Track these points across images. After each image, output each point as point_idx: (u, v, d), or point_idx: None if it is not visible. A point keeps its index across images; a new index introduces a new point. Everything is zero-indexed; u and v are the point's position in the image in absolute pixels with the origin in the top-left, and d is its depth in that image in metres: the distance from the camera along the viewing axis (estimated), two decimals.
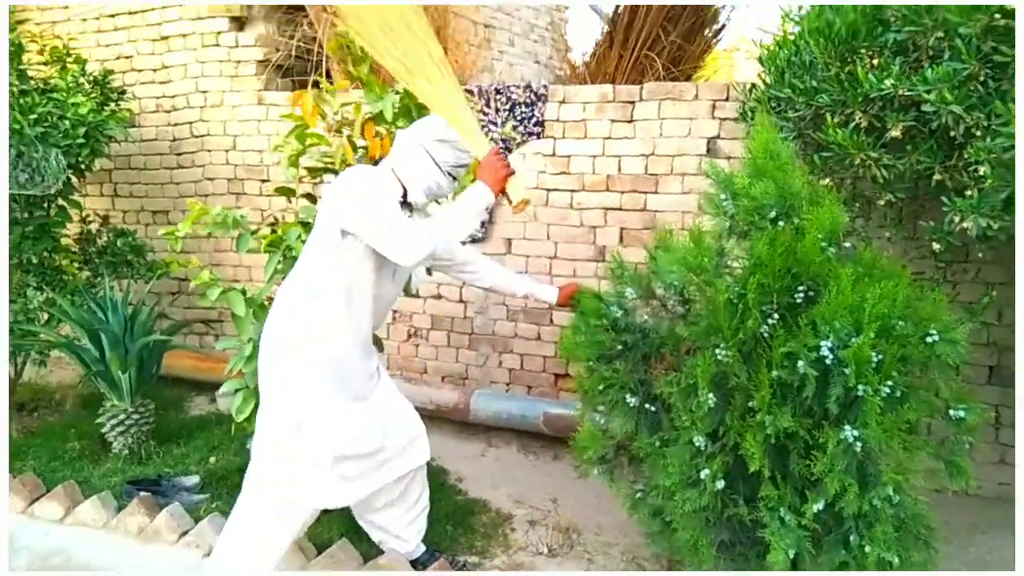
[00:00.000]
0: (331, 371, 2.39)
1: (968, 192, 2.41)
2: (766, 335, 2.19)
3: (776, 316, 2.19)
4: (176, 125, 4.86)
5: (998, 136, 2.20)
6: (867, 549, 2.04)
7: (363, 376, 2.49)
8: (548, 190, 4.00)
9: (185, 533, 3.06)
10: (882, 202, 2.74)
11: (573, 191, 3.96)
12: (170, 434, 4.03)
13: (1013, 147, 2.16)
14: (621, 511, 3.11)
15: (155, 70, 4.85)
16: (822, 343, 2.06)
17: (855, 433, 1.99)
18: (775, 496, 2.13)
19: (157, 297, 4.61)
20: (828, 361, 2.05)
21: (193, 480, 3.57)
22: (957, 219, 2.41)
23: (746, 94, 3.33)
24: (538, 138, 3.97)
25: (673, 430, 2.41)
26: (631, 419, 2.52)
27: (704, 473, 2.17)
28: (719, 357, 2.21)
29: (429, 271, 2.80)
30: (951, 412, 2.15)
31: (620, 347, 2.61)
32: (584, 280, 3.91)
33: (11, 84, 3.61)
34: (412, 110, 2.82)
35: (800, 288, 2.20)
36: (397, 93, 2.83)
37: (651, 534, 2.62)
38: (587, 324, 2.64)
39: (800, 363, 2.07)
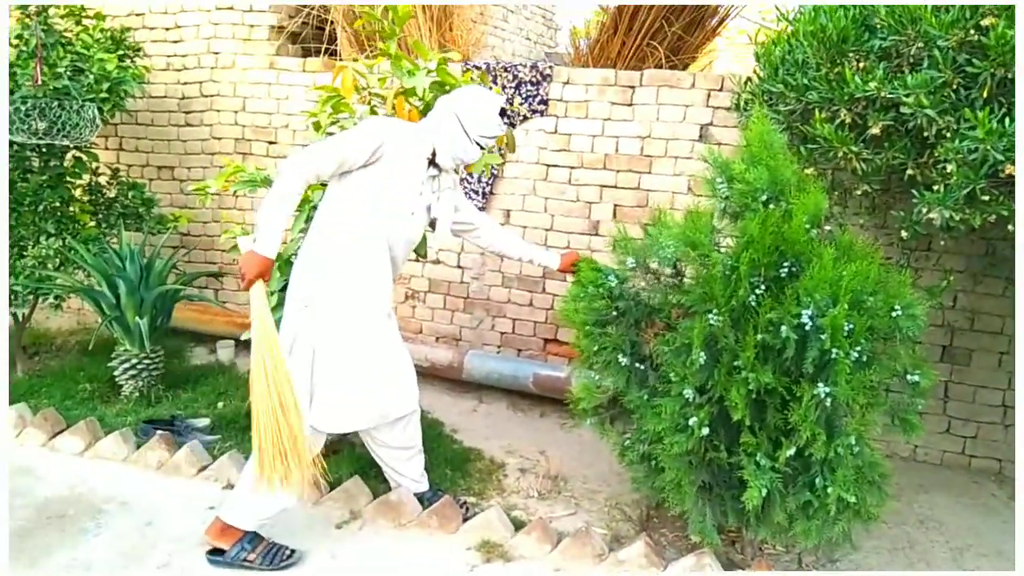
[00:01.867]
0: (341, 300, 2.61)
1: (936, 187, 2.72)
2: (753, 304, 2.47)
3: (763, 287, 2.48)
4: (186, 84, 5.00)
5: (965, 139, 2.50)
6: (829, 490, 2.35)
7: (376, 310, 2.70)
8: (548, 165, 4.25)
9: (204, 468, 3.29)
10: (859, 192, 3.04)
11: (572, 168, 4.21)
12: (177, 380, 4.24)
13: (978, 148, 2.47)
14: (604, 463, 3.44)
15: (167, 29, 4.98)
16: (803, 312, 2.35)
17: (827, 390, 2.29)
18: (753, 443, 2.43)
19: (173, 250, 4.78)
20: (807, 328, 2.35)
21: (204, 422, 3.79)
22: (925, 210, 2.71)
23: (741, 86, 3.60)
24: (542, 115, 4.21)
25: (663, 384, 2.70)
26: (623, 376, 2.80)
27: (692, 420, 2.46)
28: (711, 321, 2.49)
29: (456, 234, 3.02)
30: (908, 377, 2.47)
31: (614, 313, 2.88)
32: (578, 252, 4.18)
33: (41, 36, 3.74)
34: (444, 85, 3.02)
35: (785, 264, 2.49)
36: (430, 72, 3.04)
37: (636, 478, 2.91)
38: (585, 291, 2.91)
39: (783, 328, 2.36)
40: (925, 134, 2.72)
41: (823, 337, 2.32)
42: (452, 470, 3.42)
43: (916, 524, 3.26)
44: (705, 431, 2.46)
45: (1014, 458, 3.74)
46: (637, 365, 2.80)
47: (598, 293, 2.88)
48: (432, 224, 2.84)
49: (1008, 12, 2.41)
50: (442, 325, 4.60)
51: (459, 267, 4.50)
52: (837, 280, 2.33)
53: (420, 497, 3.06)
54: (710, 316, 2.50)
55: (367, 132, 2.59)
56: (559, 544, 2.82)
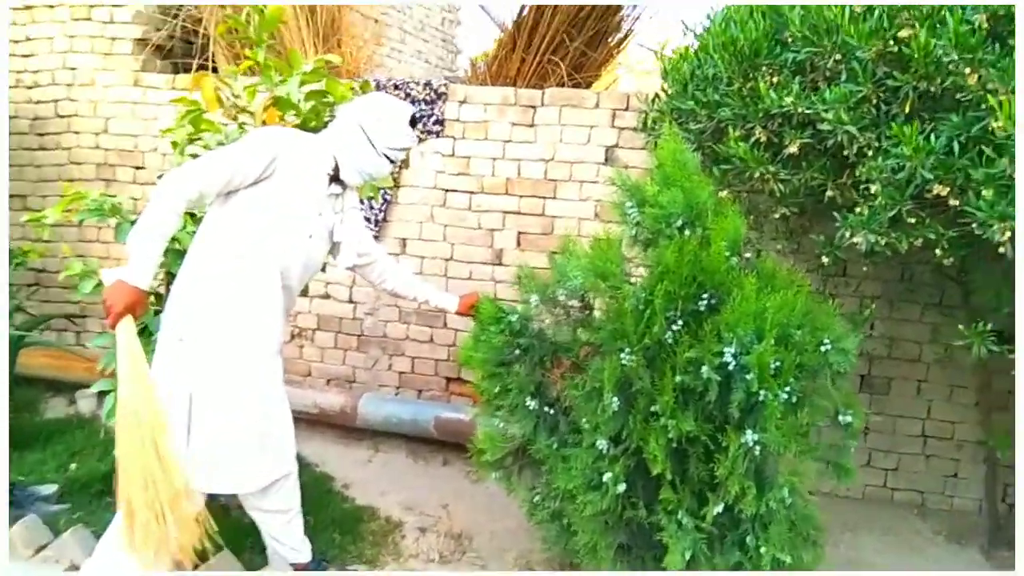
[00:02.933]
0: (222, 336, 2.25)
1: (858, 209, 2.53)
2: (670, 341, 2.21)
3: (680, 322, 2.22)
4: (39, 103, 4.46)
5: (889, 156, 2.32)
6: (762, 550, 2.09)
7: (262, 349, 2.34)
8: (446, 190, 3.93)
9: (43, 548, 2.78)
10: (776, 216, 2.84)
11: (472, 192, 3.91)
12: (26, 438, 3.67)
13: (903, 167, 2.28)
14: (513, 517, 3.10)
15: (16, 41, 4.43)
16: (725, 349, 2.10)
17: (755, 437, 2.04)
18: (674, 499, 2.15)
19: (14, 289, 4.20)
20: (730, 367, 2.09)
21: (51, 489, 3.25)
22: (848, 234, 2.52)
23: (648, 105, 3.39)
24: (437, 136, 3.89)
25: (573, 433, 2.41)
26: (530, 422, 2.49)
27: (607, 476, 2.17)
28: (623, 361, 2.21)
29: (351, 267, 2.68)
30: (840, 417, 2.24)
31: (517, 351, 2.58)
32: (480, 284, 3.87)
33: None
34: (326, 96, 2.68)
35: (704, 296, 2.24)
36: (306, 77, 2.68)
37: (548, 538, 2.60)
38: (486, 331, 2.60)
39: (704, 368, 2.10)
40: (845, 152, 2.54)
41: (748, 377, 2.06)
42: (341, 534, 3.01)
43: (844, 567, 3.05)
44: (621, 487, 2.17)
45: (935, 490, 3.61)
46: (546, 409, 2.50)
47: (498, 330, 2.58)
48: (334, 249, 2.49)
49: (929, 21, 2.25)
50: (333, 366, 4.18)
51: (351, 302, 4.11)
52: (762, 313, 2.09)
53: (303, 567, 2.65)
54: (622, 355, 2.22)
55: (259, 143, 2.24)
56: None
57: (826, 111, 2.45)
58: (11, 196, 4.58)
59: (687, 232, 2.34)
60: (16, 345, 3.56)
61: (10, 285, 3.75)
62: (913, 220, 2.39)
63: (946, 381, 3.50)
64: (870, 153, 2.45)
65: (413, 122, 2.43)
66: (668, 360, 2.19)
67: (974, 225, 2.24)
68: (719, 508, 2.10)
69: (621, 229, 2.51)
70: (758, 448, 2.05)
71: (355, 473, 3.63)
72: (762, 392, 2.04)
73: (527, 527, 3.01)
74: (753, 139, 2.71)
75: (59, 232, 4.45)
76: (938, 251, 2.42)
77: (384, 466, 3.77)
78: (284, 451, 2.48)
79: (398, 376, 4.11)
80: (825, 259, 2.73)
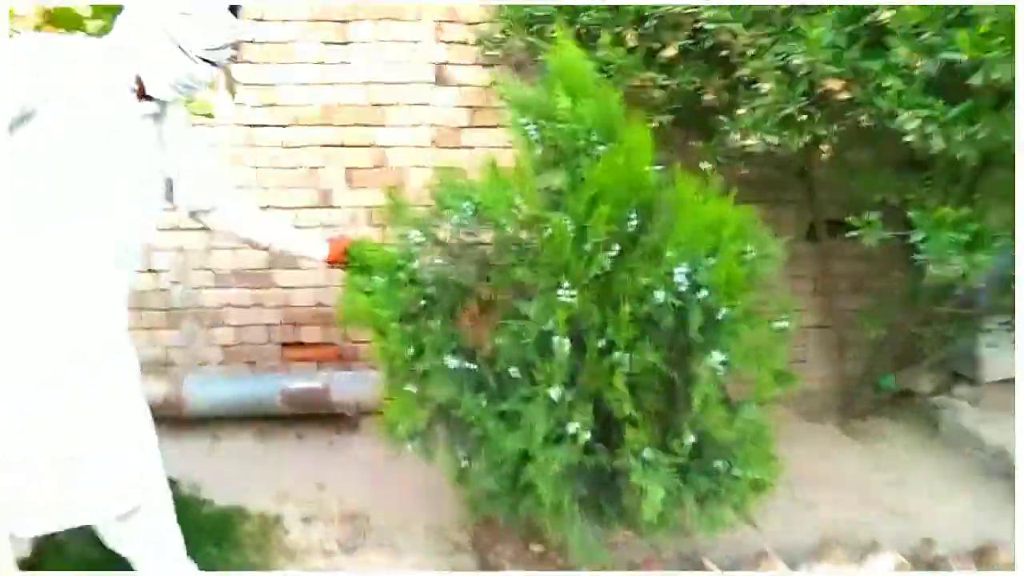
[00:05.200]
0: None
1: (740, 111, 2.49)
2: (608, 270, 2.02)
3: (617, 247, 2.03)
4: None
5: (782, 52, 2.27)
6: (736, 472, 2.03)
7: (76, 346, 1.82)
8: (252, 126, 3.35)
9: None
10: (654, 124, 2.72)
11: (283, 126, 3.37)
12: None
13: (798, 64, 2.24)
14: (401, 481, 2.79)
15: None
16: (677, 270, 1.95)
17: (722, 358, 1.94)
18: (638, 439, 2.01)
19: None
20: (682, 288, 1.96)
21: None
22: (738, 137, 2.47)
23: (497, 14, 3.08)
24: (231, 63, 3.28)
25: (509, 385, 2.16)
26: (454, 383, 2.20)
27: (572, 427, 1.97)
28: (562, 298, 1.99)
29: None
30: (774, 324, 2.21)
31: (423, 302, 2.26)
32: (308, 232, 3.39)
33: None
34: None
35: (632, 217, 2.06)
36: None
37: (481, 504, 2.36)
38: (379, 280, 2.25)
39: (659, 293, 1.94)
40: (723, 53, 2.47)
41: (701, 296, 1.94)
42: (215, 545, 2.53)
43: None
44: (587, 435, 1.98)
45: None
46: (467, 365, 2.22)
47: (399, 279, 2.23)
48: (168, 192, 1.98)
49: None
50: (142, 350, 3.47)
51: (151, 271, 3.42)
52: (716, 226, 1.95)
53: None
54: (559, 293, 1.99)
55: (11, 61, 1.62)
56: None
57: (708, 9, 2.35)
58: None
59: (602, 148, 2.13)
60: None
61: None
62: (804, 117, 2.39)
63: (786, 273, 3.69)
64: (751, 52, 2.39)
65: (234, 9, 1.86)
66: (612, 291, 2.00)
67: (864, 116, 2.29)
68: (692, 439, 1.99)
69: (524, 152, 2.24)
70: (723, 369, 1.96)
71: (200, 470, 3.06)
72: (723, 309, 1.94)
73: (420, 490, 2.76)
74: (628, 45, 2.54)
75: None
76: (824, 147, 2.45)
77: (231, 457, 3.24)
78: (125, 483, 1.96)
79: (221, 350, 3.54)
80: (706, 165, 2.67)
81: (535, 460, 2.02)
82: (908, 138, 2.15)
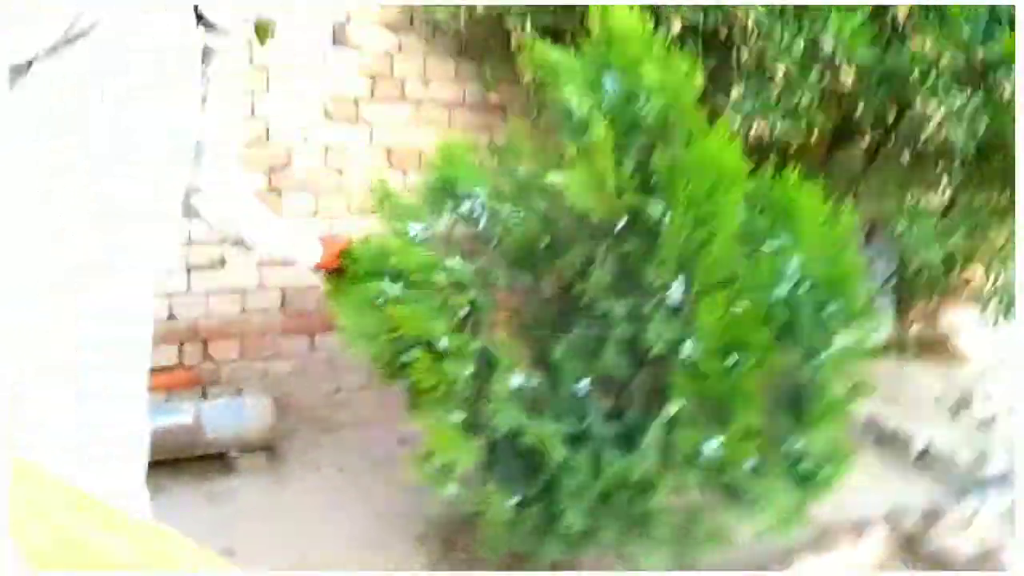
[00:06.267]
0: None
1: (733, 94, 2.39)
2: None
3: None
4: None
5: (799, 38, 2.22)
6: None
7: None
8: None
9: None
10: None
11: None
12: None
13: (820, 49, 2.20)
14: (327, 534, 2.21)
15: None
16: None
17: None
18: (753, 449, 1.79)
19: None
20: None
21: None
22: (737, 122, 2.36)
23: None
24: None
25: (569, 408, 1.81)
26: (518, 404, 1.79)
27: (709, 447, 1.68)
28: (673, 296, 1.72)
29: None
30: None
31: (466, 310, 1.83)
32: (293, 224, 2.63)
33: None
34: None
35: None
36: None
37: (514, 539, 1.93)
38: (410, 288, 1.77)
39: (780, 288, 1.77)
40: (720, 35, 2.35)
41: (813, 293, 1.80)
42: None
43: None
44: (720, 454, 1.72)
45: None
46: (532, 383, 1.82)
47: (435, 285, 1.78)
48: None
49: None
50: None
51: None
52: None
53: None
54: (671, 289, 1.72)
55: None
56: None
57: None
58: None
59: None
60: None
61: None
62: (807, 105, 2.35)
63: None
64: (758, 33, 2.30)
65: None
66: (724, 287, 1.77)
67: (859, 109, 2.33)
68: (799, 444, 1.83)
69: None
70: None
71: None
72: (831, 306, 1.81)
73: (354, 536, 2.22)
74: None
75: None
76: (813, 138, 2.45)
77: None
78: None
79: None
80: None
81: (656, 488, 1.70)
82: (927, 131, 2.21)
